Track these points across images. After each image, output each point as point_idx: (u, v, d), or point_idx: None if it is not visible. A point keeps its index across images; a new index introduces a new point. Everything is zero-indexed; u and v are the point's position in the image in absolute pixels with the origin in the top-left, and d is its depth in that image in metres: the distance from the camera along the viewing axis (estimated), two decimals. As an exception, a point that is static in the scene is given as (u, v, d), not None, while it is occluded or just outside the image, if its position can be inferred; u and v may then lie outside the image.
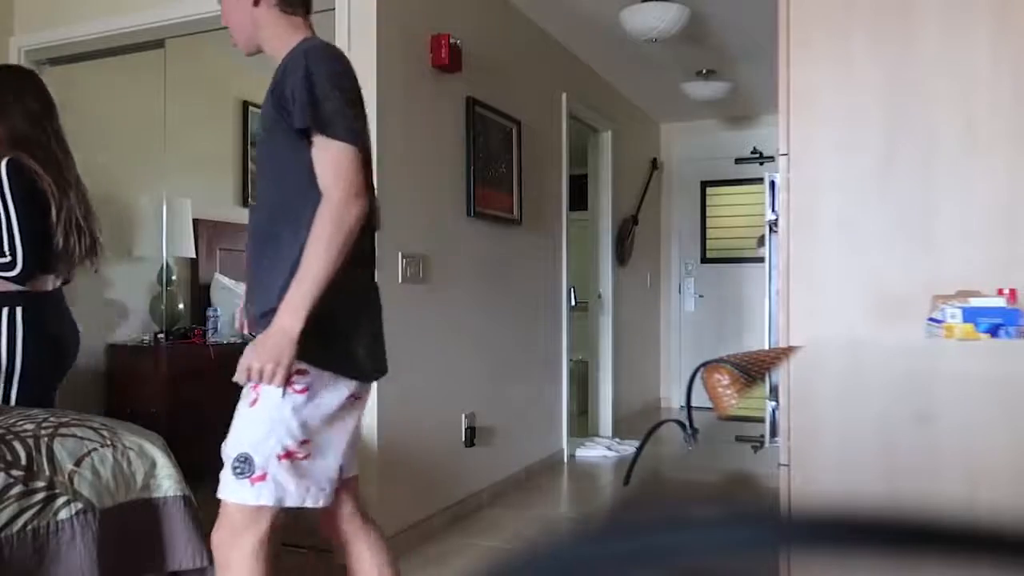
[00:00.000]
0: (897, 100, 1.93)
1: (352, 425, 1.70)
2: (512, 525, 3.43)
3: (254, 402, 1.59)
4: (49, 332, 2.64)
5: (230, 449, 1.61)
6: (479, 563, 2.92)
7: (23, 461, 1.96)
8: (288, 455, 1.56)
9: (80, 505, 2.00)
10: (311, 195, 1.55)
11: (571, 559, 0.21)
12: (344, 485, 1.78)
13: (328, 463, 1.63)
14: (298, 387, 1.56)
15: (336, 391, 1.62)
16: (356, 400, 1.68)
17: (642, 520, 0.22)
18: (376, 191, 1.90)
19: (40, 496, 1.94)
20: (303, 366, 1.56)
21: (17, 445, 1.98)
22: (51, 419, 2.18)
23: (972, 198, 1.86)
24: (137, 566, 2.13)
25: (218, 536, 1.62)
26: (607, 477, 4.44)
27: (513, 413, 3.98)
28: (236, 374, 1.57)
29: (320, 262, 1.51)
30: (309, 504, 1.60)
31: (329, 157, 1.55)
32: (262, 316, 1.62)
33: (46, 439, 2.05)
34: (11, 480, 1.90)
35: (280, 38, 1.68)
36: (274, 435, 1.56)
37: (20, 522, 1.88)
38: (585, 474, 4.51)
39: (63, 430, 2.12)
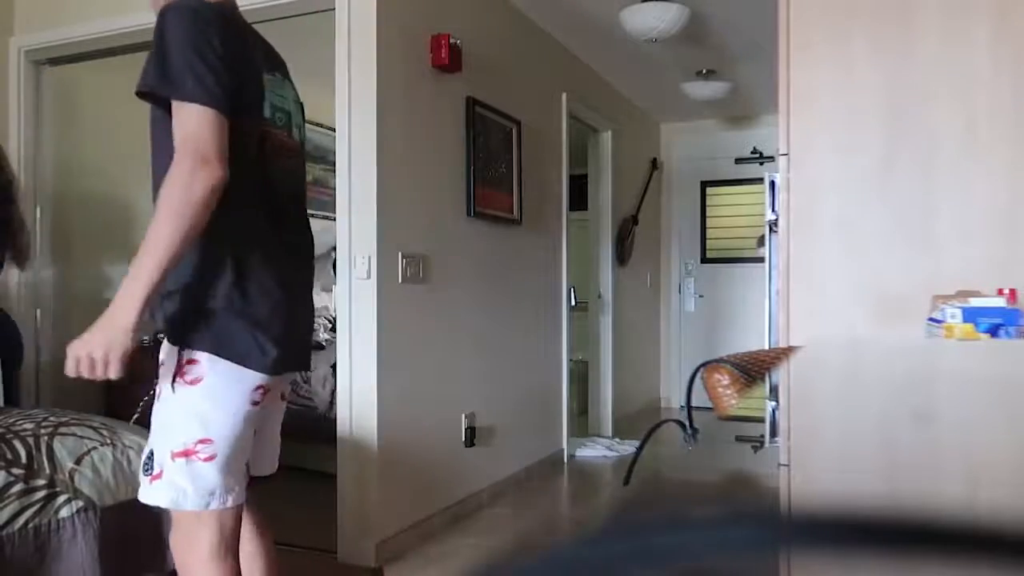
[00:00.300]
0: (897, 100, 1.93)
1: (262, 420, 1.62)
2: (512, 525, 3.43)
3: (157, 397, 1.52)
4: (5, 322, 2.64)
5: (147, 445, 1.55)
6: (479, 563, 2.92)
7: (23, 459, 1.96)
8: (185, 453, 1.45)
9: (81, 503, 2.00)
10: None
11: (572, 559, 0.22)
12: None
13: (238, 464, 1.52)
14: (189, 378, 1.45)
15: (239, 383, 1.48)
16: (266, 393, 1.55)
17: (642, 520, 0.22)
18: (306, 179, 1.79)
19: (41, 494, 1.94)
20: (195, 355, 1.45)
21: (17, 444, 1.99)
22: (51, 418, 2.18)
23: (972, 198, 1.86)
24: (138, 565, 2.13)
25: (173, 540, 1.57)
26: (607, 477, 4.45)
27: (513, 413, 3.98)
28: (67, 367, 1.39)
29: (161, 239, 1.35)
30: (215, 506, 1.49)
31: (179, 120, 1.39)
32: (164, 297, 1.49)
33: (46, 438, 2.05)
34: (12, 478, 1.90)
35: None
36: (169, 431, 1.47)
37: (21, 520, 1.88)
38: (585, 474, 4.51)
39: (63, 429, 2.12)
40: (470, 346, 3.57)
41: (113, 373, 1.37)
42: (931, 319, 1.63)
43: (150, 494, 1.49)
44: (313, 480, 3.72)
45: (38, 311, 3.74)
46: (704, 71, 5.19)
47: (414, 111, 3.13)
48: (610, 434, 5.36)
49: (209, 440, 1.46)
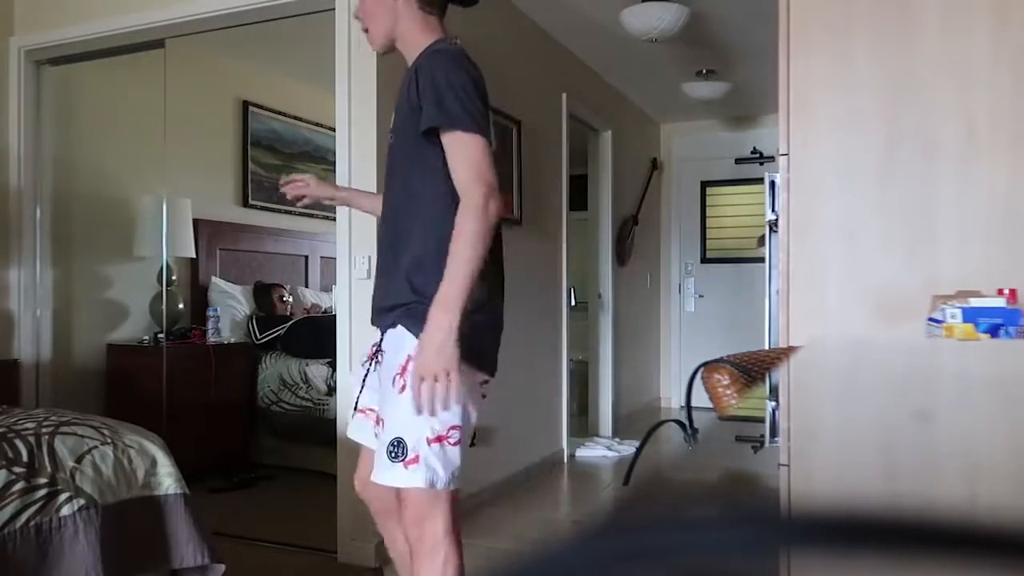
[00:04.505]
0: (897, 100, 1.93)
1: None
2: (512, 525, 3.43)
3: (403, 388, 1.61)
4: None
5: (385, 435, 1.63)
6: (479, 563, 2.92)
7: (24, 458, 1.96)
8: (439, 439, 1.59)
9: (82, 501, 2.00)
10: (442, 194, 1.62)
11: (572, 560, 0.22)
12: None
13: (466, 448, 1.66)
14: None
15: (474, 379, 1.66)
16: (484, 386, 1.72)
17: (642, 520, 0.22)
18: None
19: (42, 492, 1.94)
20: None
21: (18, 443, 1.99)
22: (52, 418, 2.19)
23: (972, 198, 1.86)
24: (139, 563, 2.13)
25: (410, 518, 1.65)
26: (607, 477, 4.45)
27: (513, 413, 3.98)
28: (415, 400, 1.55)
29: (467, 260, 1.53)
30: (454, 485, 1.63)
31: (460, 149, 1.58)
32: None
33: (47, 437, 2.05)
34: (13, 477, 1.90)
35: (415, 35, 1.73)
36: (425, 418, 1.58)
37: (23, 518, 1.88)
38: (585, 474, 4.52)
39: (64, 428, 2.12)
40: (470, 346, 3.56)
41: (455, 393, 1.53)
42: (931, 319, 1.63)
43: (406, 477, 1.60)
44: (313, 480, 3.73)
45: (38, 311, 3.74)
46: (704, 71, 5.19)
47: (414, 111, 3.13)
48: (610, 434, 5.36)
49: (459, 426, 1.61)
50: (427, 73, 1.61)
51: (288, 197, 2.04)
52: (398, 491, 1.64)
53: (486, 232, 1.55)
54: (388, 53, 1.82)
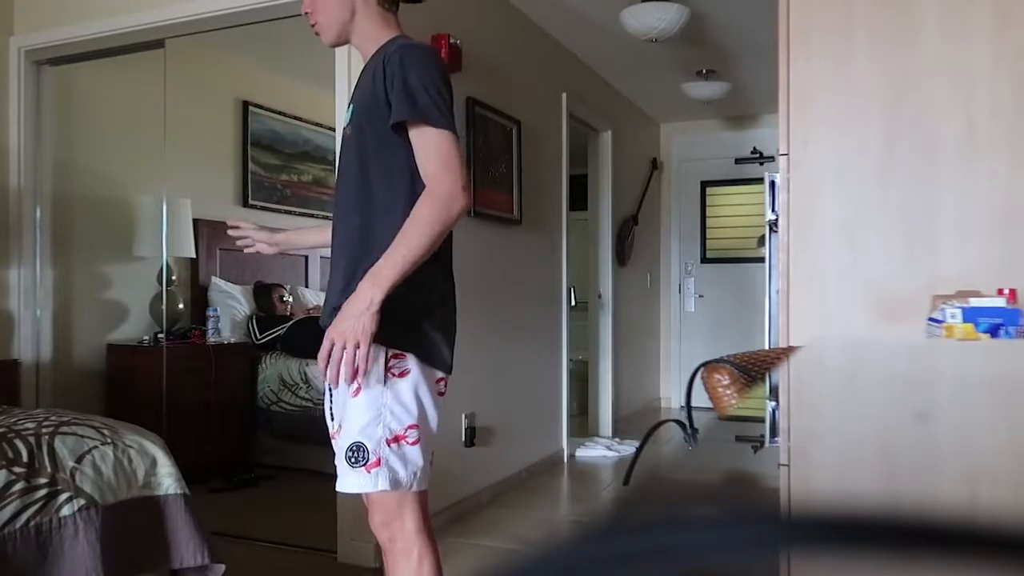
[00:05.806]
0: (897, 99, 1.93)
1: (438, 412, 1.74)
2: (512, 525, 3.43)
3: (357, 391, 1.58)
4: None
5: (343, 440, 1.59)
6: (479, 563, 2.92)
7: (25, 458, 1.96)
8: (396, 439, 1.57)
9: (82, 501, 2.00)
10: (405, 190, 1.58)
11: (571, 560, 0.22)
12: None
13: (429, 448, 1.65)
14: (397, 371, 1.58)
15: (431, 376, 1.64)
16: (442, 384, 1.70)
17: (642, 520, 0.22)
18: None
19: (42, 493, 1.94)
20: (400, 351, 1.58)
21: (18, 443, 1.99)
22: (52, 418, 2.19)
23: (972, 198, 1.86)
24: (140, 563, 2.13)
25: (378, 521, 1.63)
26: (607, 477, 4.45)
27: (513, 413, 3.98)
28: (319, 365, 1.52)
29: (414, 244, 1.49)
30: (416, 487, 1.61)
31: (431, 144, 1.54)
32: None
33: (47, 437, 2.05)
34: (13, 477, 1.90)
35: (374, 31, 1.69)
36: (382, 420, 1.56)
37: (23, 519, 1.88)
38: (585, 474, 4.52)
39: (64, 428, 2.12)
40: (470, 346, 3.56)
41: (362, 364, 1.48)
42: (931, 319, 1.63)
43: (369, 482, 1.57)
44: (313, 480, 3.73)
45: (38, 311, 3.74)
46: (704, 71, 5.19)
47: (414, 111, 3.13)
48: (610, 434, 5.36)
49: (416, 425, 1.59)
50: (396, 67, 1.55)
51: (236, 244, 2.04)
52: (365, 495, 1.61)
53: (444, 225, 1.51)
54: (339, 46, 1.79)
